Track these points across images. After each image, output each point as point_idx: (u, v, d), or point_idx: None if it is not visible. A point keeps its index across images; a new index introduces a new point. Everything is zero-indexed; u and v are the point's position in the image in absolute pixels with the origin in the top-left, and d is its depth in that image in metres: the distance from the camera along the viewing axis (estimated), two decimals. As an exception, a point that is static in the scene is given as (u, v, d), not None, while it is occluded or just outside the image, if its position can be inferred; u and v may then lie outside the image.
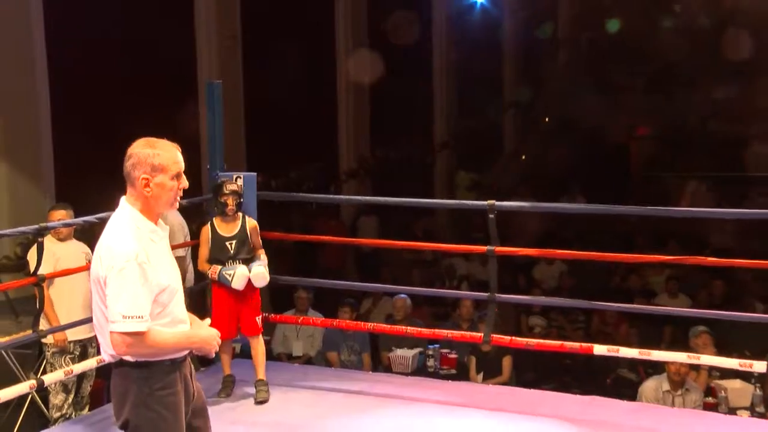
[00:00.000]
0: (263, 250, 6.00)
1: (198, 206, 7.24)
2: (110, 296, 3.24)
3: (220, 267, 5.81)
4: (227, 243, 5.85)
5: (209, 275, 5.89)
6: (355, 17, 14.81)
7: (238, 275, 5.75)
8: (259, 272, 5.81)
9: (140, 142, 3.39)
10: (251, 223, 5.99)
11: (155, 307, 3.31)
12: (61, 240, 6.40)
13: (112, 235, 3.33)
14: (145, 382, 3.31)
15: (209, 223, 5.98)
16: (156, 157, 3.34)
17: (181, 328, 3.42)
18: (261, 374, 5.99)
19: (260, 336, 6.04)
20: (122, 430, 3.39)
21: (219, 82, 7.26)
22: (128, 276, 3.22)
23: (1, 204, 8.02)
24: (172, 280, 3.42)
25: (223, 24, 12.14)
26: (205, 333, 3.49)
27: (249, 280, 5.81)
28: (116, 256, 3.25)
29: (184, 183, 3.43)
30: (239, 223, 5.93)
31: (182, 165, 3.42)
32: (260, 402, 5.88)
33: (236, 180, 6.37)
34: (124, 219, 3.37)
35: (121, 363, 3.34)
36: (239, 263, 5.85)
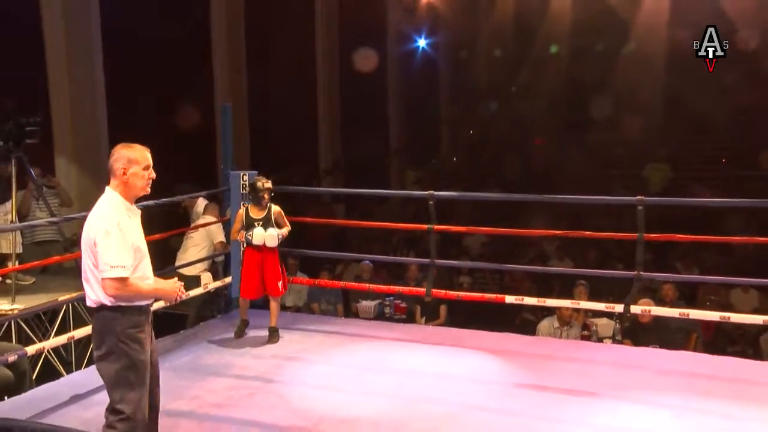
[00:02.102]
0: (288, 226, 5.98)
1: (215, 196, 7.30)
2: (100, 252, 3.27)
3: (245, 232, 5.85)
4: (256, 223, 5.86)
5: (239, 240, 5.94)
6: (331, 55, 14.83)
7: (256, 234, 5.80)
8: (271, 234, 5.81)
9: (120, 145, 3.44)
10: (276, 209, 5.95)
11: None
12: None
13: (100, 210, 3.37)
14: (120, 323, 3.33)
15: (245, 208, 5.96)
16: (131, 154, 3.39)
17: (148, 282, 3.44)
18: (274, 323, 6.01)
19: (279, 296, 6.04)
20: (103, 360, 3.39)
21: (230, 105, 7.29)
22: (113, 236, 3.26)
23: (72, 195, 7.96)
24: (142, 245, 3.44)
25: (233, 57, 12.12)
26: (169, 286, 3.49)
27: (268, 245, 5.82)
28: (103, 222, 3.29)
29: (152, 174, 3.46)
30: (267, 209, 5.92)
31: (150, 161, 3.45)
32: (271, 343, 5.93)
33: (243, 177, 6.42)
34: (108, 199, 3.40)
35: (101, 308, 3.36)
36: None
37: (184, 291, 3.55)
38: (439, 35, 16.22)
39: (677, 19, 12.48)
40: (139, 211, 3.51)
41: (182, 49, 10.71)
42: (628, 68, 14.07)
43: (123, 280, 3.27)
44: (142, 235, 3.48)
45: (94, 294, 3.35)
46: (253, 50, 12.41)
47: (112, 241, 3.25)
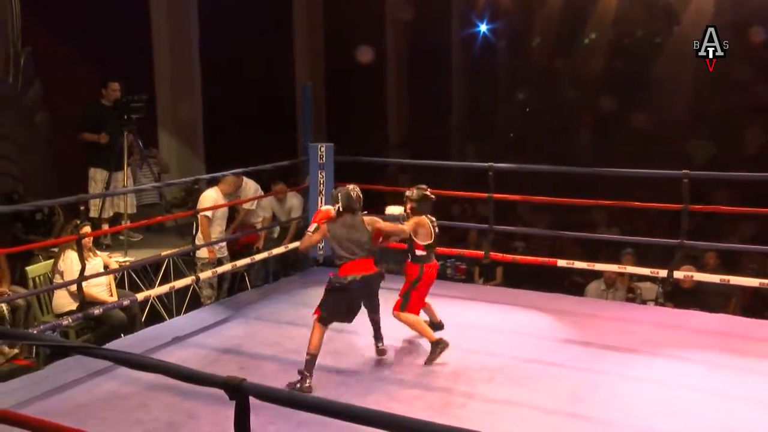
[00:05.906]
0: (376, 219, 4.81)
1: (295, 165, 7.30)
2: None
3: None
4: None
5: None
6: (400, 40, 14.70)
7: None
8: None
9: None
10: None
11: None
12: (224, 193, 6.47)
13: None
14: None
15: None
16: None
17: None
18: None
19: (401, 312, 4.90)
20: None
21: (310, 84, 7.32)
22: None
23: (173, 164, 8.18)
24: None
25: (313, 43, 12.18)
26: None
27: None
28: None
29: None
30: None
31: None
32: (429, 363, 4.61)
33: (320, 148, 6.38)
34: None
35: None
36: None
37: None
38: (499, 21, 15.83)
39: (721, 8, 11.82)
40: None
41: (268, 36, 10.81)
42: (673, 53, 13.43)
43: None
44: None
45: None
46: (331, 37, 12.44)
47: None
